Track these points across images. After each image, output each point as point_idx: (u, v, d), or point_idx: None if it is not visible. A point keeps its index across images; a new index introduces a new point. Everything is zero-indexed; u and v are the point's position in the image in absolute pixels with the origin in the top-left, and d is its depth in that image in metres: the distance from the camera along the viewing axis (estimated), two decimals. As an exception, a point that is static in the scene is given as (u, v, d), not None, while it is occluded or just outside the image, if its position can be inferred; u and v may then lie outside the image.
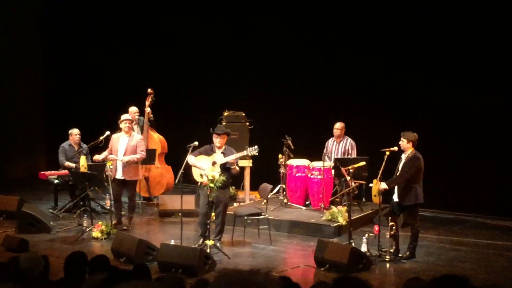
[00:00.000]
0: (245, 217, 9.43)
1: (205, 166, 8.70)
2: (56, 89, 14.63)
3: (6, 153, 13.83)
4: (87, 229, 9.53)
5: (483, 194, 10.88)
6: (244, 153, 8.94)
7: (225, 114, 11.39)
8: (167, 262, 7.88)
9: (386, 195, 8.75)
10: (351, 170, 8.91)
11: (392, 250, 8.55)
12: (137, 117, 11.35)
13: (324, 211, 10.22)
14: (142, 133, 11.26)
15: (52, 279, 4.98)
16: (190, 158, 8.79)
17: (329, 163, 10.59)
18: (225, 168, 8.77)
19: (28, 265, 4.73)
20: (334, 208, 10.10)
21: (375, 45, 11.60)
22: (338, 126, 10.86)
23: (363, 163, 9.44)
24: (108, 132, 10.41)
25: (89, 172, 9.92)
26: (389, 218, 8.55)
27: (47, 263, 4.91)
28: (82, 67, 14.17)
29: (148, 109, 11.35)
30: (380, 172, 8.62)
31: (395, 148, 8.66)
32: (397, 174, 8.55)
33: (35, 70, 14.62)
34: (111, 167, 9.89)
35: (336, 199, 10.66)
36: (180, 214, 8.91)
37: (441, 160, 10.88)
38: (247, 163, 11.10)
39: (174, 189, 11.53)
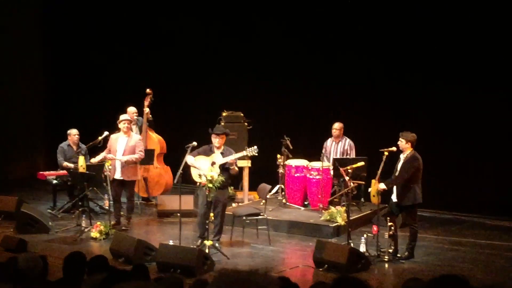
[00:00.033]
0: (244, 218, 9.43)
1: (204, 167, 8.70)
2: (56, 89, 14.62)
3: (6, 153, 13.82)
4: (86, 230, 9.53)
5: (482, 194, 10.88)
6: (244, 153, 8.94)
7: (224, 114, 11.38)
8: (166, 263, 7.89)
9: (384, 195, 8.76)
10: (349, 171, 8.91)
11: (390, 250, 8.56)
12: (135, 117, 11.34)
13: (323, 211, 10.22)
14: (140, 133, 11.26)
15: (50, 279, 4.99)
16: (189, 158, 8.78)
17: (327, 164, 10.60)
18: (224, 168, 8.76)
19: (27, 265, 4.73)
20: (332, 208, 10.10)
21: (375, 45, 11.60)
22: (337, 126, 10.86)
23: (362, 163, 9.44)
24: (106, 133, 10.41)
25: (87, 172, 9.92)
26: (388, 218, 8.56)
27: (45, 263, 4.91)
28: (82, 67, 14.16)
29: (147, 110, 11.34)
30: (379, 172, 8.63)
31: (394, 149, 8.66)
32: (396, 174, 8.55)
33: (35, 70, 14.60)
34: (110, 167, 9.89)
35: (335, 199, 10.66)
36: (178, 214, 8.91)
37: (440, 160, 10.88)
38: (246, 164, 11.09)
39: (172, 190, 11.52)
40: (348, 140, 10.86)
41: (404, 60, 11.38)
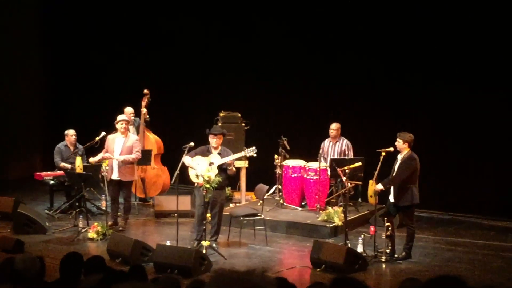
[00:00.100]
0: (241, 218, 9.44)
1: (201, 167, 8.70)
2: (56, 89, 14.63)
3: (6, 153, 13.82)
4: (83, 230, 9.52)
5: (480, 195, 10.89)
6: (242, 154, 8.94)
7: (221, 114, 11.37)
8: (163, 263, 7.89)
9: (382, 195, 8.76)
10: (346, 171, 8.91)
11: (388, 251, 8.56)
12: (132, 117, 11.34)
13: (320, 211, 10.22)
14: (138, 133, 11.25)
15: (47, 280, 4.97)
16: (186, 159, 8.77)
17: (325, 164, 10.60)
18: (222, 169, 8.76)
19: (24, 266, 4.72)
20: (330, 209, 10.11)
21: (375, 45, 11.59)
22: (334, 126, 10.86)
23: (359, 163, 9.44)
24: (103, 133, 10.41)
25: (84, 173, 9.90)
26: (385, 218, 8.56)
27: (42, 264, 4.90)
28: (82, 67, 14.17)
29: (144, 110, 11.34)
30: (376, 172, 8.63)
31: (391, 149, 8.66)
32: (393, 174, 8.55)
33: (35, 70, 14.61)
34: (107, 168, 9.89)
35: (332, 200, 10.66)
36: (176, 215, 8.90)
37: (439, 160, 10.90)
38: (243, 164, 11.09)
39: (170, 190, 11.52)
40: (345, 140, 10.87)
41: (404, 60, 11.38)
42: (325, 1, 12.09)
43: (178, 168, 8.62)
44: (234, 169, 8.95)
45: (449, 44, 11.11)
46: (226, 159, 8.74)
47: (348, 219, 9.14)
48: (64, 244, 9.13)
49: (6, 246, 8.42)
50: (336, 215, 9.82)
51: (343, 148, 10.81)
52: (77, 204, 10.51)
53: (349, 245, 8.58)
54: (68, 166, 10.81)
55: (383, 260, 8.49)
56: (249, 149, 8.96)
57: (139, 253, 8.21)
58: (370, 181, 8.71)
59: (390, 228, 8.49)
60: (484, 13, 10.79)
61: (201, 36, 13.13)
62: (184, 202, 10.31)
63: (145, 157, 10.76)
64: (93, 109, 13.57)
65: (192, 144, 8.85)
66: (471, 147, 11.00)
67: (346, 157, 10.62)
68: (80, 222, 9.71)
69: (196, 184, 8.83)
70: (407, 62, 11.36)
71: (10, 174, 13.78)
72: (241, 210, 9.94)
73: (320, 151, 10.89)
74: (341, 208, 9.71)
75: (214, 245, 8.74)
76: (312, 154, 10.92)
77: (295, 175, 10.76)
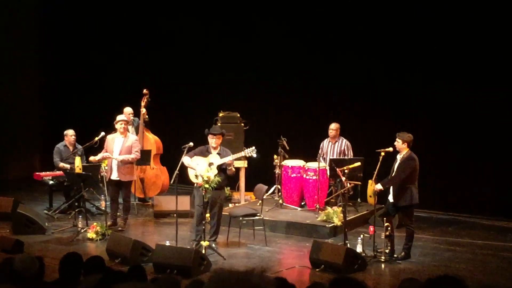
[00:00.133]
0: (240, 218, 9.44)
1: (200, 167, 8.69)
2: (56, 89, 14.62)
3: (6, 153, 13.81)
4: (82, 230, 9.51)
5: (479, 195, 10.89)
6: (242, 154, 8.94)
7: (220, 114, 11.37)
8: (162, 263, 7.88)
9: (381, 195, 8.76)
10: (346, 171, 8.91)
11: (387, 251, 8.56)
12: (131, 118, 11.34)
13: (320, 211, 10.22)
14: (137, 134, 11.25)
15: (47, 280, 4.97)
16: (185, 159, 8.77)
17: (324, 164, 10.60)
18: (221, 169, 8.76)
19: (23, 266, 4.72)
20: (329, 209, 10.10)
21: (375, 45, 11.60)
22: (333, 126, 10.86)
23: (358, 163, 9.44)
24: (103, 133, 10.41)
25: (84, 173, 9.90)
26: (384, 218, 8.56)
27: (42, 264, 4.89)
28: (82, 67, 14.17)
29: (143, 110, 11.34)
30: (375, 173, 8.63)
31: (390, 149, 8.66)
32: (393, 174, 8.56)
33: (35, 70, 14.61)
34: (106, 168, 9.89)
35: (331, 200, 10.67)
36: (175, 215, 8.89)
37: (440, 160, 10.90)
38: (243, 164, 11.09)
39: (169, 190, 11.52)
40: (344, 140, 10.87)
41: (404, 60, 11.38)
42: (325, 1, 12.09)
43: (178, 168, 8.61)
44: (233, 169, 8.94)
45: (449, 44, 11.11)
46: (226, 159, 8.74)
47: (347, 219, 9.13)
48: (63, 244, 9.13)
49: (6, 246, 8.43)
50: (335, 215, 9.82)
51: (342, 148, 10.81)
52: (76, 204, 10.51)
53: (348, 245, 8.57)
54: (68, 166, 10.82)
55: (382, 260, 8.49)
56: (248, 149, 8.96)
57: (138, 253, 8.20)
58: (370, 181, 8.71)
59: (389, 228, 8.49)
60: (484, 13, 10.79)
61: (201, 36, 13.14)
62: (184, 202, 10.31)
63: (144, 157, 10.77)
64: (92, 109, 13.57)
65: (191, 144, 8.84)
66: (471, 147, 11.00)
67: (345, 157, 10.62)
68: (80, 222, 9.70)
69: (195, 184, 8.83)
70: (407, 62, 11.36)
71: (10, 174, 13.78)
72: (240, 210, 9.93)
73: (320, 151, 10.89)
74: (340, 208, 9.72)
75: (213, 245, 8.74)
76: (311, 154, 10.92)
77: (295, 175, 10.76)
